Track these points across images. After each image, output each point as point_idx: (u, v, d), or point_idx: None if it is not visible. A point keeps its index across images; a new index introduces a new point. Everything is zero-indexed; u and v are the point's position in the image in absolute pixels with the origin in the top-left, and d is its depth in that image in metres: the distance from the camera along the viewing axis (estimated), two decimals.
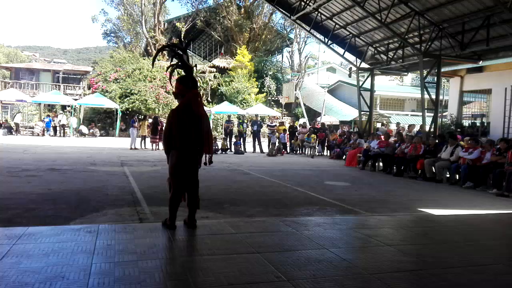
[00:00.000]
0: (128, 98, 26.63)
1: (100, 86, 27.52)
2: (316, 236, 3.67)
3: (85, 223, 4.19)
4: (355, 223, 4.71)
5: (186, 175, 3.55)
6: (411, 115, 32.28)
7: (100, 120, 28.53)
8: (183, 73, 3.65)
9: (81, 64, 65.26)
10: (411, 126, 17.05)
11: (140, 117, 23.03)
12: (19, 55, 68.94)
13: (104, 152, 13.94)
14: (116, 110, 26.09)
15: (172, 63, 3.74)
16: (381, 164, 12.63)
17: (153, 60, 3.97)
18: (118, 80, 27.70)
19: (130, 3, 37.97)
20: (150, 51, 37.08)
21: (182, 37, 3.57)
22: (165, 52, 37.12)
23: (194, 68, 4.36)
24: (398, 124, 19.92)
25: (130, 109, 26.51)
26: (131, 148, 16.64)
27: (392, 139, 13.64)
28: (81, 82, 37.57)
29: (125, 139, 22.07)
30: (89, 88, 31.76)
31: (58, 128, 25.11)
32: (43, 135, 24.22)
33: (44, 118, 25.09)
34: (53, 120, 25.33)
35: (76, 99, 28.16)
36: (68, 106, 27.25)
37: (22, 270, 2.51)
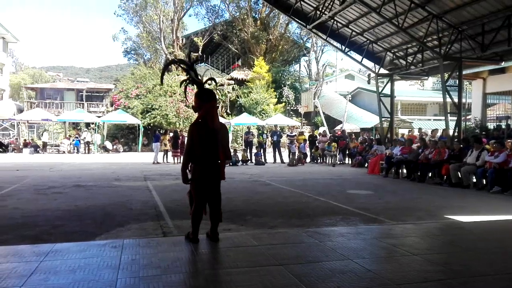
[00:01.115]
0: (149, 113, 27.13)
1: (122, 103, 28.13)
2: (339, 247, 3.62)
3: (110, 238, 4.26)
4: (380, 233, 4.63)
5: (207, 189, 3.57)
6: (433, 119, 31.68)
7: (123, 136, 29.11)
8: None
9: (103, 82, 66.89)
10: (434, 131, 16.74)
11: (161, 132, 23.39)
12: (44, 76, 71.20)
13: (128, 167, 14.18)
14: (138, 125, 26.58)
15: (183, 79, 3.77)
16: (404, 170, 12.41)
17: (162, 77, 3.99)
18: (139, 96, 28.26)
19: (149, 20, 38.87)
20: (169, 66, 37.72)
21: (189, 55, 3.59)
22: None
23: (212, 81, 4.38)
24: (420, 129, 19.57)
25: (151, 124, 26.97)
26: (153, 163, 16.88)
27: (415, 145, 13.40)
28: (104, 100, 38.52)
29: (147, 153, 22.42)
30: (111, 105, 32.52)
31: (82, 145, 25.71)
32: (71, 153, 24.75)
33: (72, 139, 25.72)
34: (78, 137, 25.99)
35: (99, 116, 28.86)
36: (92, 123, 27.93)
37: (50, 286, 2.57)
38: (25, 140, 27.31)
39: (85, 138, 25.78)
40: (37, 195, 7.80)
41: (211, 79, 4.23)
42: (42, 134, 28.55)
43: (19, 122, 28.87)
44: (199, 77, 3.76)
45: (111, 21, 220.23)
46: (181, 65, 3.78)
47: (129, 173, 11.94)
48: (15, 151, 24.69)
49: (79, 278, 2.74)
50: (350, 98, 29.55)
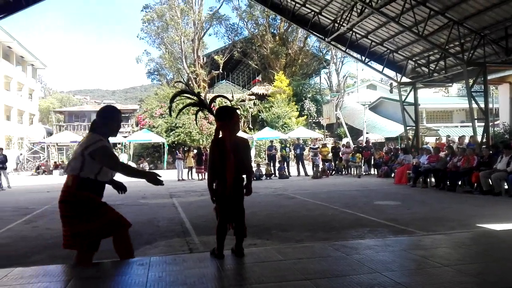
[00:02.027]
0: (173, 131, 27.60)
1: (147, 122, 28.76)
2: (367, 260, 3.55)
3: (137, 255, 4.30)
4: (409, 244, 4.52)
5: (230, 204, 3.58)
6: (460, 126, 30.91)
7: (149, 155, 29.66)
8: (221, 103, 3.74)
9: (128, 103, 68.63)
10: (461, 138, 16.33)
11: (185, 149, 23.66)
12: (71, 99, 73.72)
13: (154, 186, 14.33)
14: (163, 143, 27.03)
15: (195, 109, 3.80)
16: (433, 179, 12.11)
17: (170, 110, 4.05)
18: (163, 116, 28.84)
19: (171, 42, 39.81)
20: (191, 85, 38.44)
21: (187, 85, 3.59)
22: (205, 85, 38.38)
23: (218, 99, 4.49)
24: (448, 136, 19.12)
25: (176, 142, 27.39)
26: (178, 180, 17.08)
27: (442, 153, 13.09)
28: (129, 120, 39.44)
29: (173, 171, 22.69)
30: (137, 125, 33.26)
31: None
32: None
33: None
34: None
35: (125, 136, 29.54)
36: (119, 143, 28.59)
37: None
38: (55, 162, 28.16)
39: None
40: None
41: (217, 96, 4.26)
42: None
43: (49, 145, 29.84)
44: (205, 101, 3.79)
45: (134, 44, 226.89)
46: (185, 95, 3.84)
47: (155, 190, 12.10)
48: (46, 173, 25.48)
49: None
50: (367, 108, 29.11)
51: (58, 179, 20.80)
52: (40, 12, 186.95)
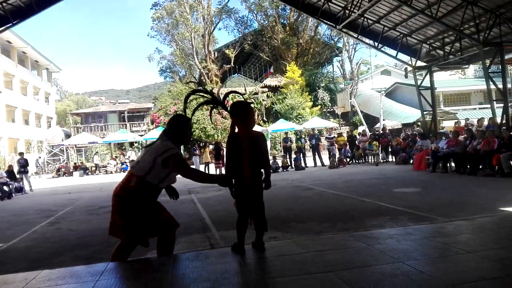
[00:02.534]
0: None
1: (162, 120, 29.00)
2: (389, 249, 3.53)
3: None
4: (431, 232, 4.46)
5: (249, 199, 3.58)
6: (478, 108, 30.27)
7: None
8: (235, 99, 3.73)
9: (143, 101, 69.29)
10: (480, 120, 15.98)
11: (200, 145, 23.85)
12: (87, 101, 74.81)
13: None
14: None
15: (210, 106, 3.80)
16: (452, 164, 11.92)
17: (184, 111, 4.06)
18: (177, 112, 28.98)
19: (181, 38, 39.92)
20: (204, 80, 38.55)
21: (200, 83, 3.61)
22: (218, 80, 38.42)
23: (241, 94, 4.54)
24: (467, 120, 18.75)
25: (191, 138, 27.58)
26: None
27: (461, 137, 12.85)
28: (144, 118, 39.87)
29: None
30: (152, 123, 33.59)
31: (128, 164, 26.65)
32: (118, 172, 25.72)
33: (118, 161, 26.76)
34: (123, 156, 26.98)
35: (141, 135, 29.87)
36: (135, 142, 28.92)
37: None
38: (74, 163, 28.70)
39: (129, 157, 26.72)
40: (89, 216, 8.16)
41: (230, 92, 4.30)
42: (93, 157, 29.86)
43: (67, 147, 30.37)
44: (219, 98, 3.77)
45: (146, 43, 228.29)
46: (199, 93, 3.85)
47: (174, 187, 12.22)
48: (66, 174, 26.00)
49: None
50: (384, 94, 28.52)
51: (78, 180, 21.20)
52: (52, 16, 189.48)
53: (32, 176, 22.78)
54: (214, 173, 17.52)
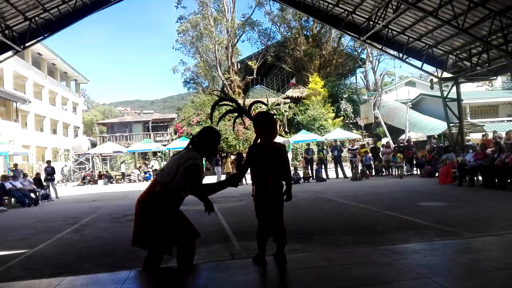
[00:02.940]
0: None
1: (185, 130, 29.33)
2: (414, 265, 3.43)
3: None
4: (458, 247, 4.32)
5: (268, 210, 3.56)
6: (507, 120, 29.39)
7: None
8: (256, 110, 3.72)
9: (166, 112, 70.36)
10: (509, 133, 15.48)
11: (222, 155, 23.89)
12: (113, 111, 76.57)
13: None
14: None
15: (235, 115, 3.81)
16: (480, 178, 11.56)
17: (211, 119, 4.10)
18: (200, 123, 29.32)
19: (205, 50, 40.51)
20: (226, 91, 38.89)
21: (223, 92, 3.66)
22: (240, 91, 38.69)
23: (257, 104, 4.51)
24: (494, 132, 18.21)
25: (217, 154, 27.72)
26: None
27: (489, 150, 12.47)
28: (168, 129, 40.45)
29: (211, 177, 22.99)
30: (175, 133, 34.01)
31: (151, 173, 27.01)
32: (141, 181, 26.08)
33: (142, 170, 27.18)
34: (146, 166, 27.35)
35: (164, 145, 30.27)
36: (159, 152, 29.30)
37: None
38: (99, 172, 29.28)
39: (152, 166, 27.08)
40: (113, 224, 8.27)
41: (255, 102, 4.31)
42: (120, 166, 30.42)
43: (93, 156, 31.05)
44: (244, 107, 3.79)
45: (170, 55, 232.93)
46: (225, 102, 3.87)
47: (195, 197, 12.27)
48: (91, 183, 26.54)
49: None
50: (411, 106, 27.83)
51: (103, 189, 21.59)
52: (81, 30, 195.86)
53: (58, 184, 23.34)
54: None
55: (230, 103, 3.81)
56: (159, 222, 3.38)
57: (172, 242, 3.50)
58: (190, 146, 3.60)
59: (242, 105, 3.72)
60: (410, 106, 27.45)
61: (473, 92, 33.94)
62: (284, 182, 3.64)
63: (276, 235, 3.61)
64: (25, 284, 3.52)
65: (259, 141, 3.63)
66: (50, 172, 16.64)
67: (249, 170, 3.66)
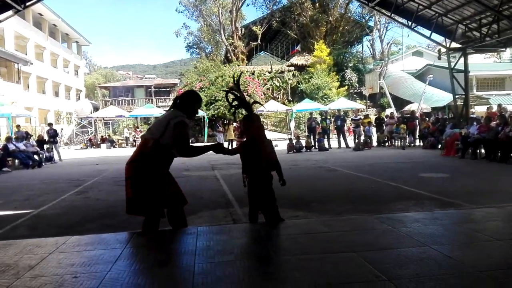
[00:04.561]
0: (213, 105, 27.81)
1: None
2: (415, 233, 3.46)
3: None
4: (459, 217, 4.36)
5: (255, 198, 3.80)
6: None
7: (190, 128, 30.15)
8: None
9: (169, 77, 69.78)
10: None
11: (225, 122, 23.88)
12: (115, 75, 75.82)
13: (195, 158, 14.66)
14: (203, 117, 27.38)
15: (233, 104, 3.92)
16: (483, 151, 11.55)
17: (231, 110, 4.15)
18: (203, 89, 29.05)
19: (209, 14, 39.65)
20: (230, 57, 38.34)
21: (236, 80, 3.78)
22: (244, 57, 38.16)
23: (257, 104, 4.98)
24: (500, 105, 18.03)
25: (216, 115, 27.64)
26: None
27: (493, 123, 12.38)
28: (170, 94, 40.22)
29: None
30: None
31: None
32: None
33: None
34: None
35: (167, 110, 30.11)
36: None
37: (134, 271, 2.75)
38: (102, 136, 29.35)
39: None
40: (116, 187, 8.36)
41: (256, 102, 4.74)
42: (123, 130, 30.42)
43: (95, 120, 31.04)
44: (246, 100, 3.94)
45: (173, 18, 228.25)
46: (233, 92, 3.90)
47: (197, 163, 12.36)
48: (94, 146, 26.66)
49: (160, 263, 2.89)
50: (432, 78, 26.44)
51: (106, 152, 21.71)
52: None
53: (61, 147, 23.44)
54: None
55: (237, 94, 3.89)
56: (152, 182, 3.34)
57: (161, 204, 3.46)
58: (177, 107, 3.61)
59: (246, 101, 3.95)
60: (431, 78, 26.14)
61: (480, 64, 33.38)
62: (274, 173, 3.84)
63: (267, 220, 3.84)
64: (32, 242, 3.59)
65: (249, 136, 3.85)
66: (53, 134, 16.68)
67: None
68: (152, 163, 3.36)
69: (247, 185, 3.79)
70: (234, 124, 19.77)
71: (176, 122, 3.36)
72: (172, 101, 3.77)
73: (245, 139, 3.95)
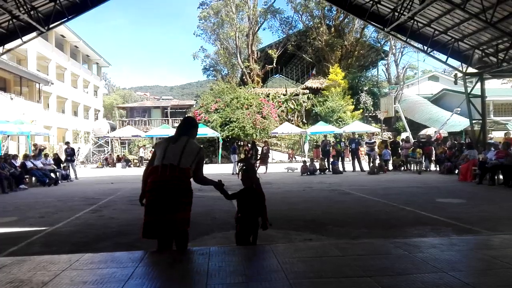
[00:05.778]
0: (228, 126, 28.00)
1: (202, 117, 29.40)
2: (431, 259, 3.38)
3: (196, 245, 4.44)
4: (476, 244, 4.25)
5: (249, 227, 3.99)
6: None
7: (204, 149, 30.27)
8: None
9: (185, 98, 70.77)
10: None
11: (240, 144, 23.94)
12: (133, 96, 77.37)
13: (209, 178, 14.65)
14: (218, 138, 27.54)
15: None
16: (501, 177, 11.31)
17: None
18: (218, 110, 29.32)
19: (226, 37, 40.41)
20: (245, 80, 38.81)
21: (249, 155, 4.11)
22: (259, 80, 38.59)
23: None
24: None
25: (230, 136, 27.79)
26: (232, 174, 17.34)
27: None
28: (186, 115, 40.63)
29: (227, 165, 23.09)
30: None
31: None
32: None
33: None
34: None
35: None
36: None
37: None
38: (118, 155, 29.72)
39: None
40: (130, 206, 8.42)
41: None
42: (139, 150, 30.80)
43: (112, 139, 31.51)
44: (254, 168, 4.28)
45: (190, 41, 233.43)
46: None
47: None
48: (110, 165, 26.98)
49: (172, 283, 2.88)
50: (459, 111, 25.09)
51: (121, 172, 21.93)
52: (103, 14, 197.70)
53: (77, 166, 23.78)
54: None
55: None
56: (189, 206, 3.65)
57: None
58: (191, 135, 3.84)
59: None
60: (459, 111, 24.94)
61: (497, 89, 33.01)
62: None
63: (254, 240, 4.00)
64: (45, 259, 3.62)
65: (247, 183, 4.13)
66: (70, 153, 16.96)
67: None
68: (191, 189, 3.66)
69: (239, 222, 4.04)
70: (249, 145, 19.80)
71: (202, 155, 3.75)
72: (183, 125, 3.89)
73: (244, 187, 4.15)
